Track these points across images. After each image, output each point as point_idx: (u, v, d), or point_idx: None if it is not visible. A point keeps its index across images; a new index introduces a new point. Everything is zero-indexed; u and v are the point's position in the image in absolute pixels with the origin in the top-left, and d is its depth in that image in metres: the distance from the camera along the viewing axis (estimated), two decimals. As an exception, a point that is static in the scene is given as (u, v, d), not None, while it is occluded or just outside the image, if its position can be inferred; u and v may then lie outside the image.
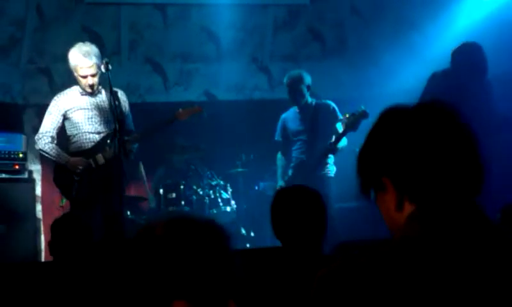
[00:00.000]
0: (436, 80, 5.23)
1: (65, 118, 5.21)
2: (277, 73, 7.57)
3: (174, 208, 6.43)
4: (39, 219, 6.88)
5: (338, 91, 7.28)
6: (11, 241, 6.02)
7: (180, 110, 5.41)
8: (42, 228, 6.87)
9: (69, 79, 5.28)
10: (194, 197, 6.53)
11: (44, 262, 6.25)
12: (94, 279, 3.44)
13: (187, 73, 7.70)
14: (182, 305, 1.31)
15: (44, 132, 5.21)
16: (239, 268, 1.41)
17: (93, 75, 5.07)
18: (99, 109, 5.19)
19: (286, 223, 2.73)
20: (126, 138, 5.01)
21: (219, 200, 6.56)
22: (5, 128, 6.68)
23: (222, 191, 6.62)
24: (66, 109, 5.18)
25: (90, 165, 5.12)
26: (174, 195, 6.49)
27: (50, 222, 3.89)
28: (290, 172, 6.14)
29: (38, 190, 6.96)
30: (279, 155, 6.32)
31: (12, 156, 6.42)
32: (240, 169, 6.86)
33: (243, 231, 6.64)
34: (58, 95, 5.27)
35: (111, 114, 5.02)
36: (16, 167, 6.44)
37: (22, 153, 6.50)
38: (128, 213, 6.37)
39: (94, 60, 5.04)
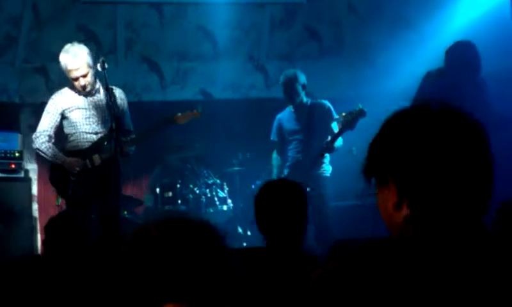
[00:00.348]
0: (431, 79, 5.24)
1: (63, 116, 5.18)
2: (273, 72, 7.56)
3: (170, 207, 6.43)
4: (35, 218, 6.86)
5: (335, 90, 7.29)
6: (7, 240, 6.02)
7: (179, 114, 5.38)
8: (38, 227, 6.86)
9: (65, 78, 5.27)
10: (191, 196, 6.53)
11: (37, 259, 6.23)
12: (88, 278, 3.43)
13: (184, 72, 7.69)
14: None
15: (41, 130, 5.19)
16: (236, 268, 1.41)
17: (84, 76, 5.01)
18: (97, 108, 5.16)
19: (268, 215, 2.76)
20: (123, 139, 4.99)
21: (216, 199, 6.56)
22: (1, 127, 6.68)
23: (218, 190, 6.62)
24: (64, 108, 5.16)
25: (86, 166, 5.11)
26: (170, 194, 6.49)
27: (46, 222, 3.88)
28: (285, 171, 6.14)
29: (34, 189, 6.94)
30: (274, 155, 6.33)
31: (8, 155, 6.41)
32: (236, 168, 6.85)
33: (240, 230, 6.64)
34: (56, 94, 5.25)
35: (108, 114, 4.99)
36: (13, 166, 6.43)
37: (18, 152, 6.50)
38: (125, 212, 6.36)
39: (84, 60, 4.97)
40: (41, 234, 6.73)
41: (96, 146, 5.14)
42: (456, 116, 1.35)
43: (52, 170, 5.22)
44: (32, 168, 6.98)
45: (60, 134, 5.28)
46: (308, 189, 4.54)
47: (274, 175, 6.26)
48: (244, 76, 7.79)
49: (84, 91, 5.10)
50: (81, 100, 5.16)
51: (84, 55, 5.00)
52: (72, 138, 5.18)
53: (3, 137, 6.46)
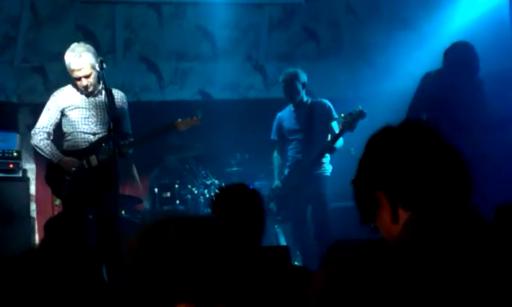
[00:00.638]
0: (429, 80, 5.24)
1: (63, 114, 5.16)
2: (272, 73, 7.56)
3: (169, 208, 6.42)
4: (33, 218, 6.86)
5: (334, 90, 7.28)
6: (5, 240, 6.00)
7: (179, 120, 5.34)
8: (36, 227, 6.85)
9: (64, 78, 5.26)
10: (189, 196, 6.53)
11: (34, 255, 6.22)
12: (85, 278, 3.42)
13: (182, 72, 7.68)
14: None
15: (40, 127, 5.17)
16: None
17: (86, 77, 4.99)
18: (97, 109, 5.14)
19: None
20: (122, 142, 4.97)
21: (214, 199, 6.54)
22: (-1, 126, 6.67)
23: (217, 190, 6.60)
24: (64, 106, 5.14)
25: (83, 166, 5.10)
26: (169, 194, 6.49)
27: (44, 221, 3.87)
28: (286, 171, 6.14)
29: (32, 189, 6.94)
30: (275, 154, 6.31)
31: (6, 155, 6.41)
32: (235, 169, 6.86)
33: (238, 231, 6.63)
34: (57, 91, 5.22)
35: (108, 115, 4.98)
36: (11, 166, 6.42)
37: (16, 152, 6.49)
38: (123, 212, 6.35)
39: (87, 61, 4.96)
40: (39, 234, 6.73)
41: (93, 147, 5.12)
42: (424, 129, 1.54)
43: (49, 169, 5.21)
44: (30, 168, 6.97)
45: (59, 132, 5.27)
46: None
47: (276, 175, 6.25)
48: (242, 76, 7.79)
49: (85, 92, 5.09)
50: (82, 100, 5.14)
51: (89, 56, 4.98)
52: (69, 137, 5.17)
53: (1, 137, 6.45)
